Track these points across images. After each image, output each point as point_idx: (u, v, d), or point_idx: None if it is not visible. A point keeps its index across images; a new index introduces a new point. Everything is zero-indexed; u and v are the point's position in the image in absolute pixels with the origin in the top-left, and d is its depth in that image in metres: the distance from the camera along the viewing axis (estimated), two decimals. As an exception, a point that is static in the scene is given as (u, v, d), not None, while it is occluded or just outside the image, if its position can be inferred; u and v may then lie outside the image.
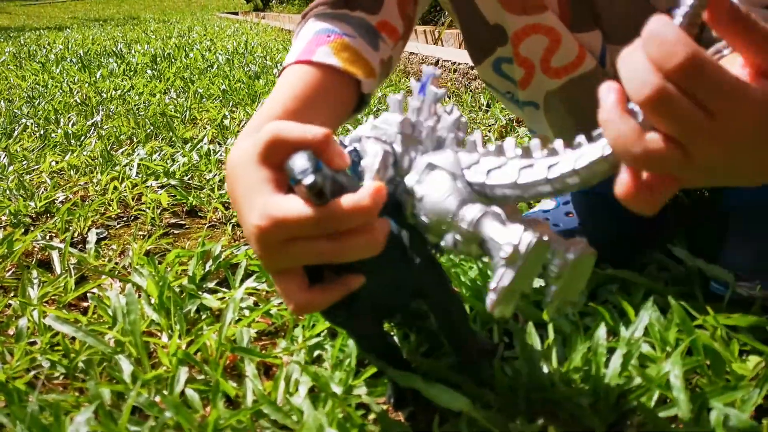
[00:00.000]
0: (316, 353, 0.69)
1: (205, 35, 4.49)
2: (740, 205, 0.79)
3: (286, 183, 0.49)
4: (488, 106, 1.88)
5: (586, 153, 0.45)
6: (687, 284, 0.74)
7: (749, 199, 0.78)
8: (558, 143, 0.47)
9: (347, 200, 0.44)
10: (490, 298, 0.44)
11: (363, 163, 0.53)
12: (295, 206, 0.45)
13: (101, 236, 1.08)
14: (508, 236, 0.44)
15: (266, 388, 0.64)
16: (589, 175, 0.44)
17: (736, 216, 0.79)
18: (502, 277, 0.44)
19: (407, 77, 2.57)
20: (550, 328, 0.66)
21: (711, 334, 0.63)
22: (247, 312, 0.78)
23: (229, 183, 0.53)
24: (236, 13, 9.59)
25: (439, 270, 0.58)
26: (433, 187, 0.51)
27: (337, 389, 0.60)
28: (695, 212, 0.93)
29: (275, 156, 0.48)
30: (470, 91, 2.09)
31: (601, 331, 0.62)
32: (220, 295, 0.84)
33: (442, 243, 0.51)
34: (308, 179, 0.43)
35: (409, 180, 0.53)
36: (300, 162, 0.44)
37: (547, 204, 1.00)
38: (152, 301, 0.79)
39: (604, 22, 0.79)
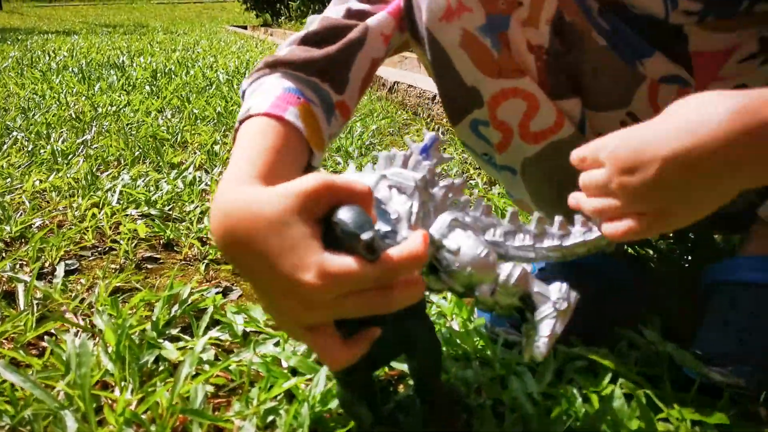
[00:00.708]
0: (270, 418, 0.67)
1: (209, 50, 4.50)
2: (719, 285, 0.77)
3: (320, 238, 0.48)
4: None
5: (594, 230, 0.60)
6: (657, 366, 0.72)
7: (728, 279, 0.77)
8: (558, 219, 0.61)
9: (402, 251, 0.46)
10: (543, 343, 0.53)
11: (399, 211, 0.55)
12: (353, 263, 0.45)
13: (72, 268, 1.06)
14: (559, 292, 0.55)
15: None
16: (593, 246, 0.60)
17: (714, 297, 0.77)
18: (554, 326, 0.53)
19: (404, 109, 2.57)
20: (508, 409, 0.64)
21: (675, 429, 0.61)
22: (206, 366, 0.76)
23: (243, 239, 0.48)
24: (245, 27, 9.63)
25: (430, 322, 0.61)
26: (465, 242, 0.55)
27: (282, 467, 0.58)
28: (673, 290, 0.91)
29: (319, 208, 0.47)
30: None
31: (561, 418, 0.60)
32: (181, 343, 0.82)
33: (476, 292, 0.55)
34: (367, 235, 0.44)
35: (433, 233, 0.56)
36: (355, 217, 0.45)
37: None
38: (110, 350, 0.77)
39: (586, 92, 0.78)
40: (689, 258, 1.01)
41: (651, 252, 1.02)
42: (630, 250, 1.03)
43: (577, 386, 0.69)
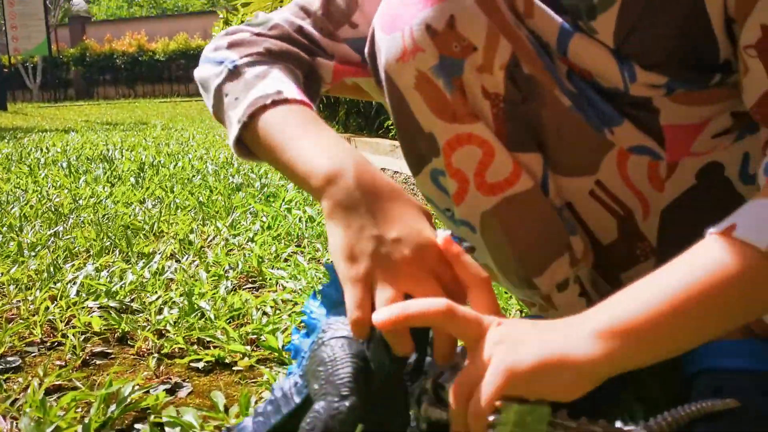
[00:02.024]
0: None
1: (203, 143, 4.55)
2: (702, 373, 0.70)
3: None
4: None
5: None
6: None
7: (711, 367, 0.69)
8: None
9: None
10: None
11: None
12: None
13: (13, 365, 0.99)
14: None
15: None
16: None
17: (697, 384, 0.70)
18: None
19: (391, 195, 2.54)
20: None
21: None
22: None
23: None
24: (244, 122, 9.78)
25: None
26: None
27: None
28: (655, 374, 0.83)
29: None
30: (449, 213, 2.04)
31: None
32: (113, 450, 0.73)
33: None
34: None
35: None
36: None
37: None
38: (27, 457, 0.69)
39: (550, 152, 0.75)
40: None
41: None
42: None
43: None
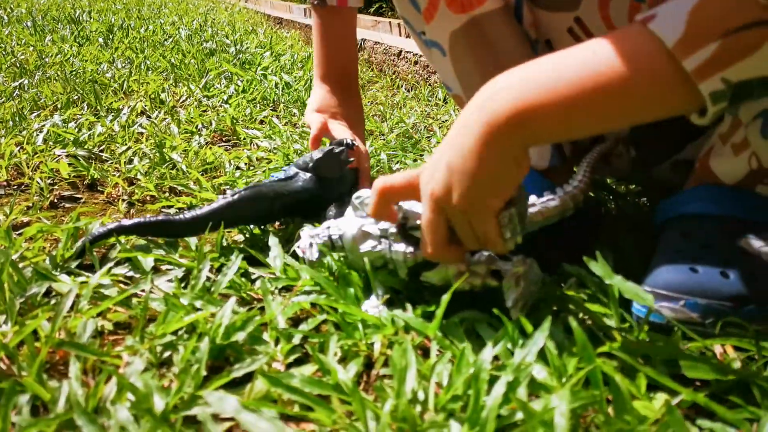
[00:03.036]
0: (166, 354, 0.59)
1: (175, 11, 4.34)
2: (670, 221, 0.70)
3: None
4: (445, 101, 1.78)
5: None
6: (606, 304, 0.65)
7: (679, 213, 0.70)
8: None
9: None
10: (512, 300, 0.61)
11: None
12: None
13: (-23, 204, 0.97)
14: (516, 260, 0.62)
15: (93, 393, 0.53)
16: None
17: (666, 232, 0.70)
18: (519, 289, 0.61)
19: (370, 67, 2.47)
20: (434, 344, 0.56)
21: (621, 366, 0.54)
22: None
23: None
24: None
25: None
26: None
27: (161, 404, 0.50)
28: (629, 229, 0.84)
29: None
30: (429, 84, 1.99)
31: (487, 353, 0.52)
32: (82, 279, 0.73)
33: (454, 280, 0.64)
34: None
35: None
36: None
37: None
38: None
39: None
40: (647, 200, 0.94)
41: (607, 194, 0.95)
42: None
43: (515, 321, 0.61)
